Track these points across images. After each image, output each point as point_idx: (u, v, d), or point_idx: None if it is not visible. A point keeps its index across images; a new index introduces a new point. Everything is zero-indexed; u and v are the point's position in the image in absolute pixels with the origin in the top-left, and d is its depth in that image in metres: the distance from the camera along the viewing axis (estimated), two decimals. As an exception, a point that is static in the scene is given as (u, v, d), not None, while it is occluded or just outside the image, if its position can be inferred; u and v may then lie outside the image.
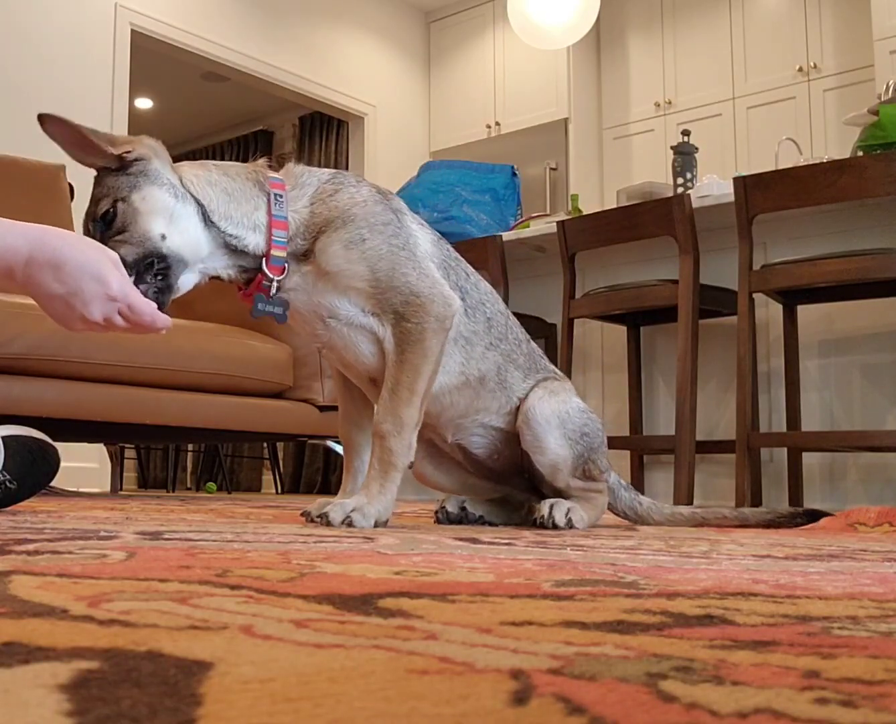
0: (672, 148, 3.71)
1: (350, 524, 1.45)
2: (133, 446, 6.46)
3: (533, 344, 1.79)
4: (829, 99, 5.65)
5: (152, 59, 6.14)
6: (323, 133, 7.91)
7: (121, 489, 5.14)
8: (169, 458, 6.06)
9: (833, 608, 0.65)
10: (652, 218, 3.10)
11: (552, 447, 1.66)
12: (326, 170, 1.62)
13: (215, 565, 0.82)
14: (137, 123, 7.34)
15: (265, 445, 6.67)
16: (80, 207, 4.31)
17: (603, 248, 3.34)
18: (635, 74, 6.47)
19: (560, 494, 1.72)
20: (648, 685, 0.39)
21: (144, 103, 8.15)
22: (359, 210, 1.53)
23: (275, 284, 1.52)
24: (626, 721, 0.34)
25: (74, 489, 3.91)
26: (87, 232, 1.48)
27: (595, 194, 6.33)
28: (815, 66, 5.71)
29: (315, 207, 1.54)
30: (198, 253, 1.49)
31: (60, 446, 1.77)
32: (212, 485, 6.31)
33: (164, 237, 1.44)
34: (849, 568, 0.96)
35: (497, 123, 6.76)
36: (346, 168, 7.21)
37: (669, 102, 6.26)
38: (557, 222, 3.40)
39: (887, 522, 1.79)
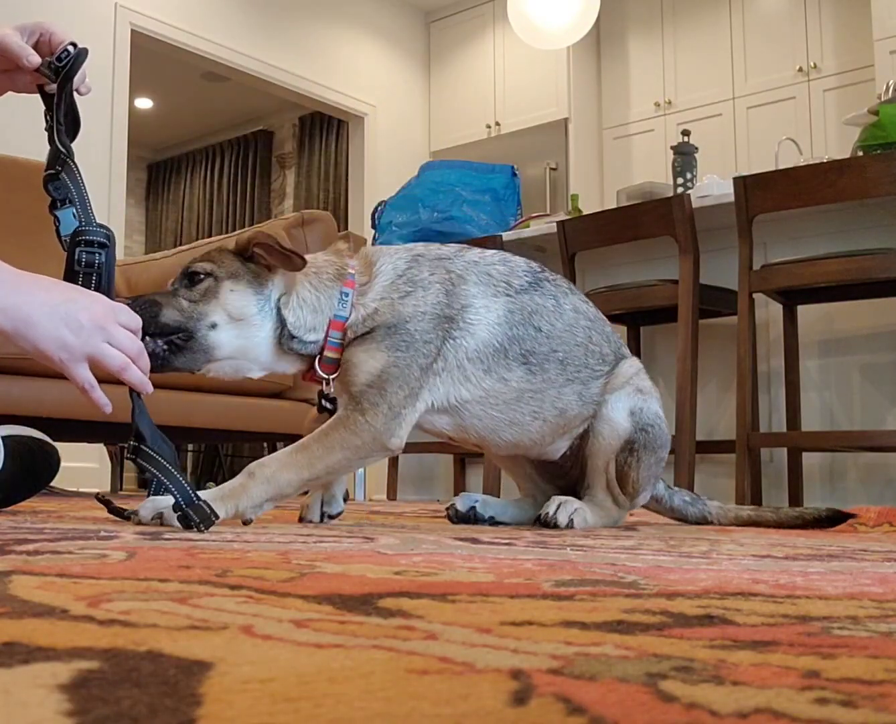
0: (672, 148, 3.71)
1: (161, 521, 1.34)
2: (133, 446, 6.44)
3: (615, 348, 1.79)
4: (829, 99, 5.65)
5: (152, 59, 6.14)
6: (323, 133, 7.91)
7: (121, 489, 5.14)
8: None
9: (833, 608, 0.65)
10: (652, 218, 3.10)
11: (620, 413, 1.71)
12: (403, 253, 1.62)
13: (215, 565, 0.82)
14: (137, 123, 7.35)
15: (265, 445, 6.66)
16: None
17: (603, 248, 3.33)
18: (635, 74, 6.47)
19: (588, 489, 1.76)
20: (648, 685, 0.39)
21: (144, 103, 8.15)
22: (413, 325, 1.52)
23: (331, 379, 1.54)
24: (626, 721, 0.34)
25: (74, 489, 3.91)
26: (177, 275, 1.52)
27: (595, 194, 6.33)
28: (815, 66, 5.71)
29: (381, 305, 1.54)
30: (254, 359, 1.53)
31: (60, 446, 1.77)
32: (212, 485, 6.31)
33: (213, 326, 1.47)
34: (849, 568, 0.96)
35: (497, 123, 6.76)
36: (346, 169, 7.22)
37: (669, 102, 6.26)
38: (557, 222, 3.40)
39: (887, 522, 1.79)
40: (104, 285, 1.33)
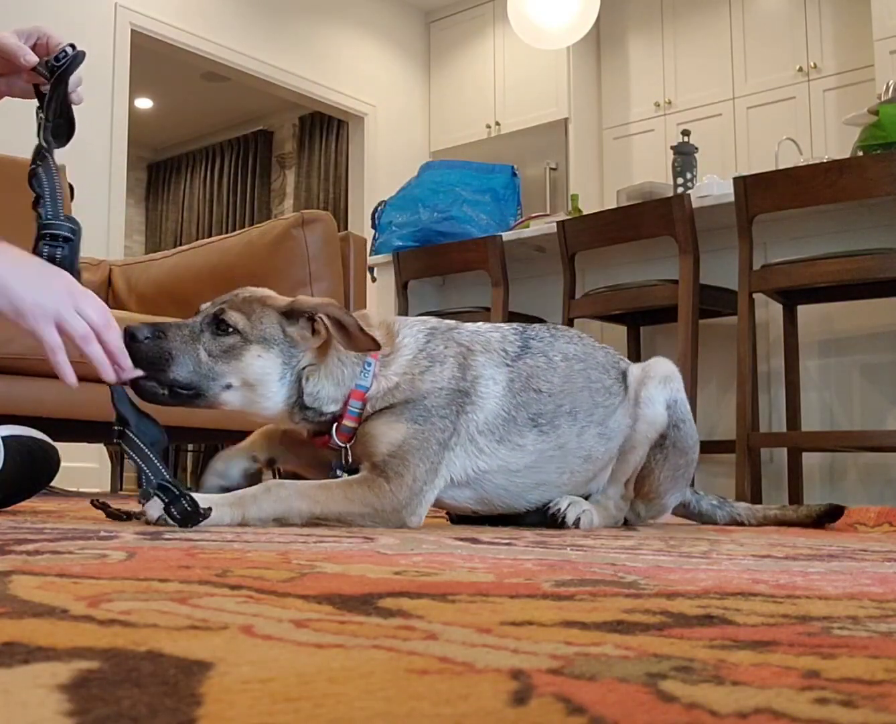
0: (672, 148, 3.71)
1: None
2: (133, 446, 6.44)
3: (615, 374, 1.76)
4: (829, 99, 5.65)
5: (152, 59, 6.14)
6: (323, 133, 7.91)
7: (121, 489, 5.14)
8: (169, 458, 6.06)
9: (833, 608, 0.65)
10: (652, 218, 3.10)
11: (657, 407, 1.72)
12: (420, 325, 1.61)
13: (215, 565, 0.82)
14: (137, 123, 7.35)
15: (265, 445, 6.65)
16: (79, 207, 4.31)
17: (603, 248, 3.33)
18: (635, 74, 6.47)
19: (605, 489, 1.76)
20: (648, 685, 0.39)
21: (144, 103, 8.15)
22: (431, 401, 1.52)
23: (346, 448, 1.53)
24: (626, 721, 0.34)
25: (74, 489, 3.91)
26: (212, 303, 1.48)
27: (595, 194, 6.33)
28: (815, 66, 5.71)
29: (403, 380, 1.53)
30: (262, 415, 1.54)
31: (60, 446, 1.77)
32: (212, 485, 6.30)
33: (228, 387, 1.45)
34: (849, 568, 0.96)
35: (497, 123, 6.76)
36: (346, 169, 7.23)
37: (669, 102, 6.26)
38: (557, 222, 3.40)
39: (887, 522, 1.79)
40: None
